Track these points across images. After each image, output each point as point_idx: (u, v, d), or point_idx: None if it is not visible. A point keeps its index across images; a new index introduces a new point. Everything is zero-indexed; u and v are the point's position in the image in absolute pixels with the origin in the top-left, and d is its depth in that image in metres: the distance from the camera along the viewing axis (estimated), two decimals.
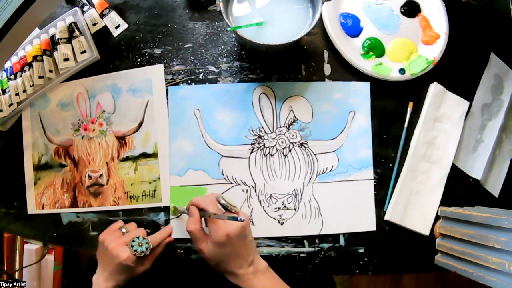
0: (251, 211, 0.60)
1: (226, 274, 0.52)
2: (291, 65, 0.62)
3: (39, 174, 0.65)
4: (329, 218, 0.60)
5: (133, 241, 0.52)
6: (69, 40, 0.62)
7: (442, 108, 0.62)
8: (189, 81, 0.62)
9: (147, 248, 0.52)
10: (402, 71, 0.60)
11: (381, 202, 0.61)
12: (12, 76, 0.64)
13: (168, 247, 0.58)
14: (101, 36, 0.64)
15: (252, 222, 0.60)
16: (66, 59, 0.61)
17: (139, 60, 0.63)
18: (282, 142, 0.61)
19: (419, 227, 0.60)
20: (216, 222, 0.50)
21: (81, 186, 0.63)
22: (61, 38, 0.61)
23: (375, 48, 0.60)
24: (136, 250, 0.51)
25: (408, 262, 0.61)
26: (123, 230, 0.56)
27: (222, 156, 0.60)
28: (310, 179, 0.60)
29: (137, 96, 0.62)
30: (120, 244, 0.52)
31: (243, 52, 0.62)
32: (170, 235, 0.58)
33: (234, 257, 0.50)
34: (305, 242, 0.60)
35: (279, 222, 0.60)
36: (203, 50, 0.62)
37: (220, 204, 0.51)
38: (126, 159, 0.62)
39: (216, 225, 0.49)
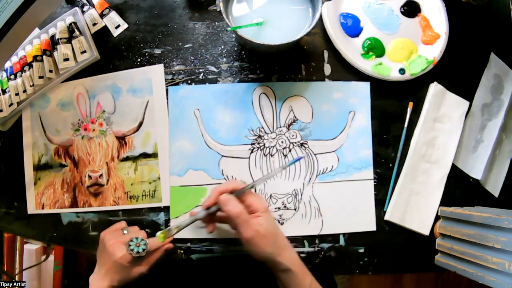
0: None
1: (282, 250, 0.49)
2: (291, 65, 0.62)
3: (39, 174, 0.65)
4: (329, 218, 0.60)
5: (131, 240, 0.52)
6: (69, 40, 0.62)
7: (442, 108, 0.62)
8: (189, 81, 0.62)
9: (143, 250, 0.52)
10: (402, 71, 0.60)
11: (381, 202, 0.61)
12: (12, 76, 0.64)
13: (168, 253, 0.58)
14: (101, 36, 0.64)
15: None
16: (66, 59, 0.61)
17: (139, 60, 0.63)
18: (282, 142, 0.61)
19: (419, 227, 0.60)
20: (254, 195, 0.51)
21: (81, 186, 0.63)
22: (61, 38, 0.61)
23: (375, 48, 0.60)
24: (132, 250, 0.51)
25: (408, 262, 0.61)
26: (125, 231, 0.56)
27: (222, 156, 0.60)
28: (310, 179, 0.60)
29: (137, 96, 0.62)
30: (118, 242, 0.52)
31: (243, 52, 0.62)
32: (171, 242, 0.58)
33: (279, 227, 0.51)
34: (305, 242, 0.60)
35: (279, 222, 0.60)
36: (203, 50, 0.62)
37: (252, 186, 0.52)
38: (126, 159, 0.62)
39: (255, 197, 0.50)
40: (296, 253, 0.51)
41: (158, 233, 0.50)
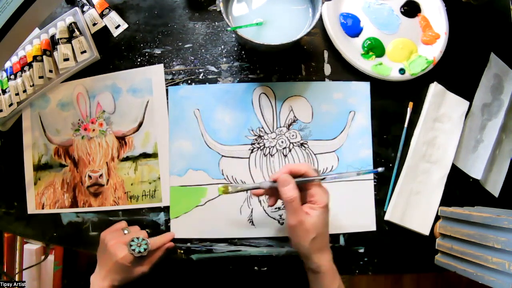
0: (251, 211, 0.60)
1: (317, 251, 0.48)
2: (291, 65, 0.62)
3: (39, 174, 0.65)
4: (329, 218, 0.60)
5: (132, 240, 0.52)
6: (69, 40, 0.62)
7: (442, 108, 0.62)
8: (189, 81, 0.62)
9: (145, 249, 0.52)
10: (402, 71, 0.60)
11: (381, 202, 0.61)
12: (12, 76, 0.64)
13: (169, 252, 0.58)
14: (101, 36, 0.64)
15: (252, 222, 0.60)
16: (66, 59, 0.61)
17: (139, 60, 0.63)
18: (282, 142, 0.61)
19: (419, 227, 0.60)
20: (320, 187, 0.48)
21: (81, 186, 0.63)
22: (61, 38, 0.61)
23: (375, 48, 0.60)
24: (134, 250, 0.51)
25: (408, 262, 0.61)
26: (126, 231, 0.56)
27: (222, 156, 0.60)
28: None
29: (137, 96, 0.62)
30: (119, 242, 0.52)
31: (243, 52, 0.62)
32: (171, 241, 0.58)
33: (328, 229, 0.49)
34: None
35: (279, 222, 0.60)
36: (203, 50, 0.62)
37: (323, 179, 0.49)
38: (126, 159, 0.62)
39: (320, 190, 0.48)
40: (331, 256, 0.49)
41: (220, 186, 0.50)
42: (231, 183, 0.60)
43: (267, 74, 0.62)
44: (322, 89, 0.61)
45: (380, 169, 0.49)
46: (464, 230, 0.53)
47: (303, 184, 0.48)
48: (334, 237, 0.60)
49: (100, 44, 0.63)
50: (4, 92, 0.65)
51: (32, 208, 0.65)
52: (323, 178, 0.48)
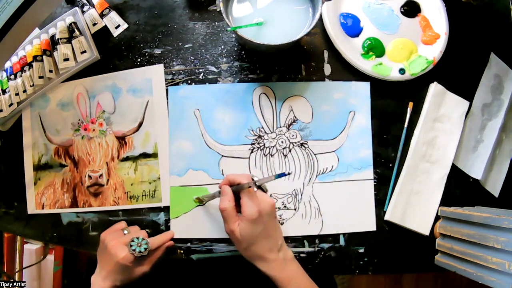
0: None
1: (256, 259, 0.50)
2: (291, 65, 0.62)
3: (39, 174, 0.65)
4: (329, 218, 0.60)
5: (133, 240, 0.52)
6: (69, 40, 0.62)
7: (442, 108, 0.62)
8: (189, 81, 0.62)
9: (145, 249, 0.52)
10: (402, 71, 0.60)
11: (381, 202, 0.61)
12: (12, 76, 0.64)
13: (168, 251, 0.58)
14: (101, 36, 0.64)
15: None
16: (66, 59, 0.61)
17: (139, 60, 0.63)
18: (282, 142, 0.61)
19: (419, 227, 0.60)
20: (250, 198, 0.49)
21: (81, 186, 0.63)
22: (61, 38, 0.61)
23: (375, 48, 0.60)
24: (134, 250, 0.51)
25: (408, 262, 0.61)
26: (125, 232, 0.56)
27: (222, 156, 0.60)
28: (310, 179, 0.60)
29: (137, 96, 0.62)
30: (119, 243, 0.52)
31: (243, 52, 0.62)
32: (171, 240, 0.58)
33: (265, 237, 0.50)
34: (305, 242, 0.60)
35: (279, 222, 0.60)
36: (203, 50, 0.62)
37: (254, 184, 0.50)
38: (126, 159, 0.62)
39: (250, 201, 0.49)
40: (278, 264, 0.50)
41: (194, 198, 0.59)
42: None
43: (267, 74, 0.62)
44: (322, 89, 0.61)
45: (288, 172, 0.50)
46: (464, 230, 0.53)
47: (239, 194, 0.50)
48: (334, 237, 0.60)
49: (100, 44, 0.63)
50: (4, 92, 0.65)
51: (32, 208, 0.65)
52: (249, 185, 0.49)
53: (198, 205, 0.60)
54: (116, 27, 0.63)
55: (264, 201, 0.49)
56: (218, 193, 0.54)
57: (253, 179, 0.51)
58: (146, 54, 0.63)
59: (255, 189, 0.51)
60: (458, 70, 0.63)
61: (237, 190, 0.51)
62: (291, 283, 0.50)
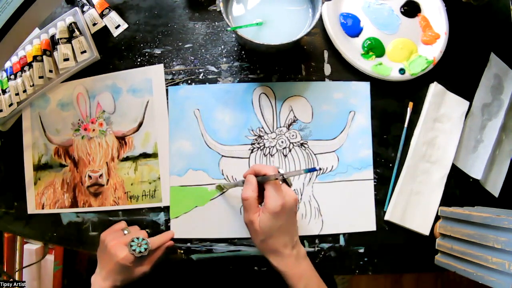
0: None
1: (271, 253, 0.49)
2: (291, 65, 0.62)
3: (39, 174, 0.65)
4: (329, 218, 0.60)
5: (133, 241, 0.52)
6: (69, 40, 0.62)
7: (442, 108, 0.62)
8: (189, 81, 0.62)
9: (145, 249, 0.52)
10: (402, 71, 0.60)
11: (381, 202, 0.61)
12: (12, 76, 0.64)
13: (168, 251, 0.58)
14: (101, 36, 0.64)
15: None
16: (66, 59, 0.61)
17: (139, 60, 0.63)
18: (282, 142, 0.61)
19: (419, 227, 0.60)
20: (275, 191, 0.48)
21: (81, 186, 0.63)
22: (61, 38, 0.61)
23: (375, 48, 0.60)
24: (134, 250, 0.51)
25: (408, 262, 0.61)
26: (125, 232, 0.56)
27: (222, 156, 0.60)
28: (310, 179, 0.60)
29: (137, 96, 0.62)
30: (119, 243, 0.52)
31: (243, 52, 0.62)
32: (171, 240, 0.58)
33: (283, 232, 0.49)
34: (305, 242, 0.60)
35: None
36: (203, 50, 0.62)
37: (282, 176, 0.49)
38: (126, 159, 0.62)
39: (274, 193, 0.48)
40: (291, 260, 0.49)
41: (215, 184, 0.59)
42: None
43: (267, 74, 0.62)
44: (322, 89, 0.61)
45: (318, 167, 0.49)
46: (464, 230, 0.53)
47: (264, 185, 0.49)
48: (334, 237, 0.60)
49: (100, 44, 0.63)
50: (4, 92, 0.65)
51: (32, 208, 0.65)
52: (276, 177, 0.48)
53: (219, 193, 0.60)
54: (116, 27, 0.63)
55: (288, 195, 0.48)
56: (242, 183, 0.53)
57: (279, 172, 0.49)
58: (146, 54, 0.63)
59: (281, 182, 0.49)
60: (458, 70, 0.63)
61: (262, 181, 0.49)
62: (301, 280, 0.49)
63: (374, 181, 0.61)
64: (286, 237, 0.49)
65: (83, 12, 0.63)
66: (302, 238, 0.60)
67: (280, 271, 0.49)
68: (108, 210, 0.62)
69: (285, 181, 0.50)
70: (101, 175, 0.62)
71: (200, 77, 0.62)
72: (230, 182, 0.58)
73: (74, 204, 0.63)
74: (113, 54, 0.63)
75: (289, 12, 0.56)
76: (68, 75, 0.63)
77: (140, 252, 0.51)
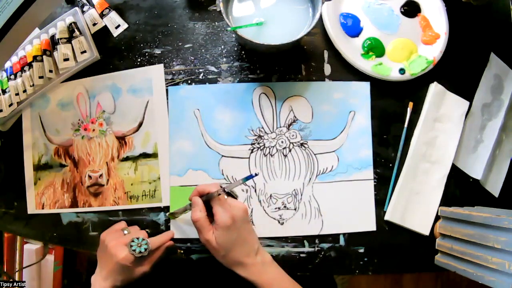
0: (251, 211, 0.60)
1: (235, 265, 0.50)
2: (291, 65, 0.62)
3: (39, 174, 0.65)
4: (329, 218, 0.60)
5: (133, 241, 0.52)
6: (69, 40, 0.62)
7: (442, 108, 0.62)
8: (189, 81, 0.62)
9: (145, 249, 0.52)
10: (402, 71, 0.60)
11: (381, 202, 0.61)
12: (12, 76, 0.64)
13: (169, 251, 0.58)
14: (101, 36, 0.64)
15: (252, 222, 0.60)
16: (66, 59, 0.61)
17: (139, 60, 0.63)
18: (282, 142, 0.61)
19: (419, 227, 0.60)
20: (221, 206, 0.49)
21: (81, 186, 0.63)
22: (61, 38, 0.61)
23: (375, 48, 0.60)
24: (134, 250, 0.51)
25: (408, 262, 0.61)
26: (125, 232, 0.56)
27: (222, 156, 0.60)
28: (310, 179, 0.60)
29: (137, 96, 0.62)
30: (119, 243, 0.52)
31: (243, 52, 0.62)
32: (171, 240, 0.58)
33: (241, 243, 0.50)
34: (305, 242, 0.60)
35: (279, 222, 0.60)
36: (203, 50, 0.62)
37: (223, 190, 0.50)
38: (126, 159, 0.62)
39: (221, 209, 0.49)
40: (257, 266, 0.50)
41: (167, 214, 0.59)
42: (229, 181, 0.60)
43: (267, 74, 0.62)
44: (322, 89, 0.61)
45: (255, 173, 0.50)
46: (464, 230, 0.53)
47: (210, 203, 0.50)
48: (334, 237, 0.60)
49: (100, 44, 0.63)
50: (4, 92, 0.65)
51: (32, 208, 0.65)
52: (219, 193, 0.49)
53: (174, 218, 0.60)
54: (116, 27, 0.63)
55: (235, 206, 0.49)
56: (190, 206, 0.54)
57: (221, 186, 0.50)
58: (146, 54, 0.63)
59: (225, 196, 0.50)
60: (458, 70, 0.63)
61: (208, 200, 0.50)
62: (273, 285, 0.50)
63: (374, 181, 0.61)
64: (245, 247, 0.50)
65: (83, 12, 0.63)
66: (302, 238, 0.60)
67: (251, 281, 0.50)
68: (108, 210, 0.62)
69: (229, 194, 0.51)
70: (101, 175, 0.62)
71: (200, 77, 0.62)
72: (180, 208, 0.57)
73: (74, 204, 0.63)
74: (113, 54, 0.63)
75: (289, 12, 0.56)
76: (68, 75, 0.63)
77: (140, 252, 0.51)
